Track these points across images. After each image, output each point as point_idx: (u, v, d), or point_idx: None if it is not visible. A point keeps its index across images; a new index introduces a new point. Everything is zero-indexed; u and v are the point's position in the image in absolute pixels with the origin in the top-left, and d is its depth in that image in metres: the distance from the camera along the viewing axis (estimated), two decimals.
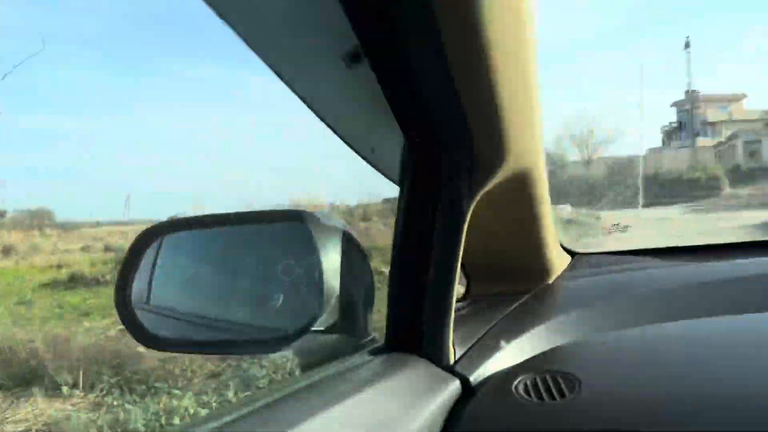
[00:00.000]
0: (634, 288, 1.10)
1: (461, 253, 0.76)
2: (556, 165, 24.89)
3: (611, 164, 25.23)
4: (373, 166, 0.88)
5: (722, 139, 31.27)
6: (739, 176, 23.53)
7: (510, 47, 0.59)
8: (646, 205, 18.71)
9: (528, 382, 0.74)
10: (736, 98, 40.79)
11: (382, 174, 0.89)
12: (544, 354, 0.87)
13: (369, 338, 0.83)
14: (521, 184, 0.89)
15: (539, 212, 1.01)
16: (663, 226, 14.34)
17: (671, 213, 17.80)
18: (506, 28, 0.57)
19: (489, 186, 0.77)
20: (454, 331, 0.79)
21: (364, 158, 0.86)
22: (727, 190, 22.38)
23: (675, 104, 44.06)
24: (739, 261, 1.23)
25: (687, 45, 30.76)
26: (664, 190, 22.77)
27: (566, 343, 0.92)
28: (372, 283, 0.84)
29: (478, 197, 0.77)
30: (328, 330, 0.80)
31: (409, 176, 0.74)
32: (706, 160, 26.77)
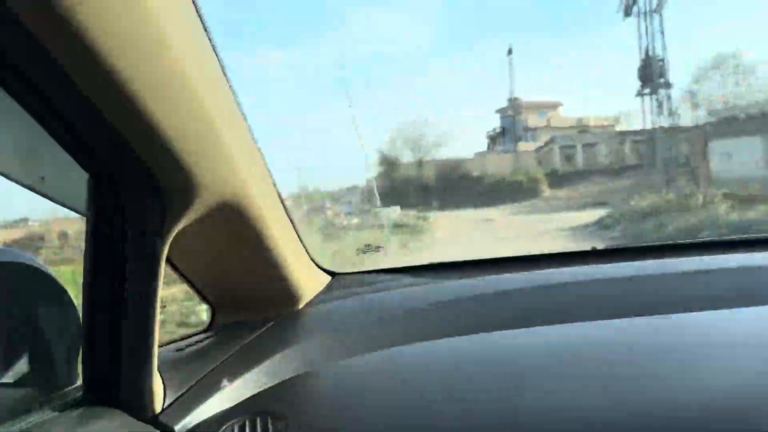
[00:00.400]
0: (392, 308, 1.06)
1: (159, 291, 0.72)
2: (389, 167, 24.78)
3: (441, 166, 25.60)
4: (46, 196, 0.80)
5: (541, 143, 33.18)
6: (557, 179, 24.94)
7: (153, 80, 0.59)
8: (472, 207, 19.19)
9: (236, 427, 0.75)
10: (554, 105, 44.23)
11: (63, 205, 0.82)
12: (260, 393, 0.85)
13: (72, 388, 0.76)
14: (237, 212, 0.85)
15: (269, 236, 0.95)
16: (487, 228, 14.32)
17: (494, 214, 18.01)
18: (144, 61, 0.57)
19: (187, 220, 0.75)
20: (173, 371, 0.77)
21: (30, 188, 0.78)
22: (547, 192, 23.44)
23: (499, 111, 46.89)
24: (513, 275, 1.19)
25: (509, 52, 32.08)
26: (489, 192, 23.33)
27: (290, 377, 0.91)
28: (78, 323, 0.79)
29: (174, 232, 0.73)
30: (18, 382, 0.75)
31: (93, 209, 0.70)
32: (528, 164, 28.00)
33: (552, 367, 0.82)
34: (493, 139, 47.76)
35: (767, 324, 0.88)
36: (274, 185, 0.97)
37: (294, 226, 1.06)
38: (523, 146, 36.99)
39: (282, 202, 1.01)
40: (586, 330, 0.92)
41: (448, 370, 0.85)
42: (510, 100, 45.18)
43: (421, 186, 24.07)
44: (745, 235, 1.44)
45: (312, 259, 1.17)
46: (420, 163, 26.50)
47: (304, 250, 1.12)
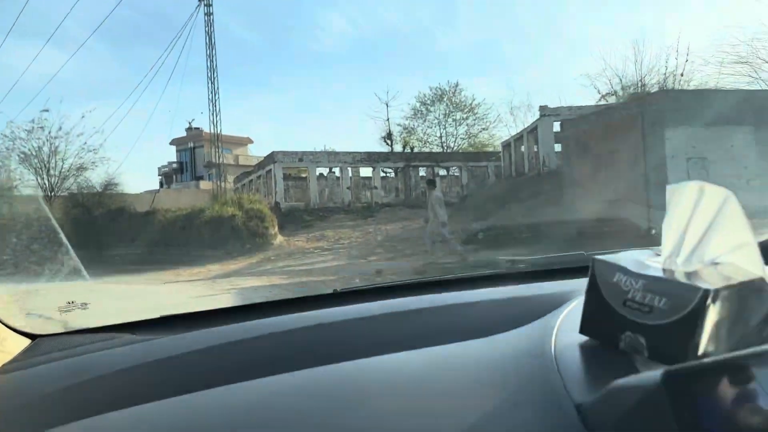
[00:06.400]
0: (102, 369, 0.95)
1: None
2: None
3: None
4: None
5: (230, 181, 29.46)
6: None
7: None
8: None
9: None
10: (242, 142, 40.76)
11: None
12: None
13: None
14: None
15: None
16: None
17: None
18: None
19: None
20: None
21: None
22: None
23: (175, 141, 41.15)
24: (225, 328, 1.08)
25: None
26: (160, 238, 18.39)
27: None
28: None
29: None
30: None
31: None
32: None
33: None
34: (168, 176, 41.88)
35: (414, 368, 0.84)
36: None
37: None
38: (204, 185, 32.63)
39: None
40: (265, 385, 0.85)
41: None
42: (189, 129, 40.15)
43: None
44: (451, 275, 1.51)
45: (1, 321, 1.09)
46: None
47: None
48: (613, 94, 23.50)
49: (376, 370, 0.85)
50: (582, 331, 0.77)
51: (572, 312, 0.88)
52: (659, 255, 0.74)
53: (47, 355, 1.04)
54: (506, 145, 24.84)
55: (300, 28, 55.55)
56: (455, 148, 32.88)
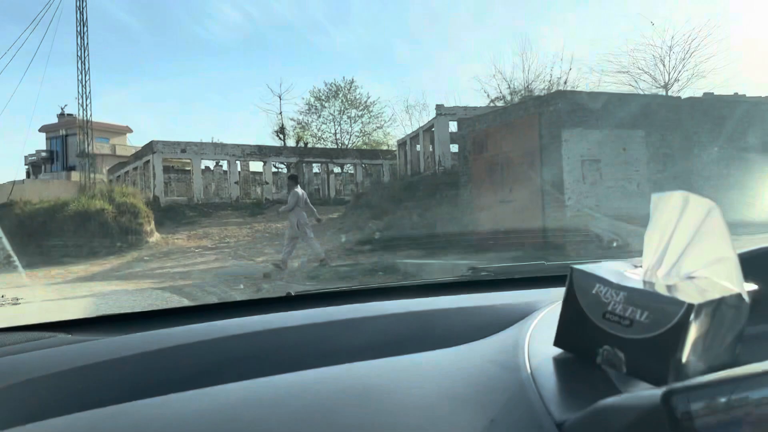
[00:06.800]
0: (29, 372, 0.87)
1: None
2: None
3: None
4: None
5: (103, 173, 26.98)
6: None
7: None
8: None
9: None
10: (120, 131, 37.56)
11: None
12: None
13: None
14: None
15: None
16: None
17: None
18: None
19: None
20: None
21: None
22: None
23: (45, 128, 37.17)
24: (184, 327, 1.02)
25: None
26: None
27: None
28: None
29: None
30: None
31: None
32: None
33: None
34: (36, 165, 37.83)
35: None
36: None
37: None
38: (75, 175, 29.61)
39: None
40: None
41: None
42: (61, 115, 36.47)
43: None
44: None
45: None
46: None
47: None
48: (501, 99, 24.00)
49: (336, 379, 0.78)
50: (557, 343, 0.74)
51: (541, 322, 0.86)
52: (637, 266, 0.72)
53: None
54: (402, 143, 24.52)
55: (188, 16, 52.61)
56: (350, 145, 32.21)
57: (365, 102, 33.10)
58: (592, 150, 11.40)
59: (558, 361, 0.73)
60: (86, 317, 1.11)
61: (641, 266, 0.71)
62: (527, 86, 24.12)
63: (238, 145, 25.47)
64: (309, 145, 30.50)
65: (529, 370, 0.71)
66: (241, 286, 8.07)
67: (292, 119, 33.23)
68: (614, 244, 9.36)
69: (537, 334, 0.81)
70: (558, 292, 0.82)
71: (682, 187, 0.76)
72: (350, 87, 32.94)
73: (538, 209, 11.61)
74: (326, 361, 0.82)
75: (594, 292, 0.69)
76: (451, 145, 19.72)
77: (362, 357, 0.84)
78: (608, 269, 0.71)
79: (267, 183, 25.77)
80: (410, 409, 0.68)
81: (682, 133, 11.89)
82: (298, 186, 10.14)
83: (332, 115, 33.02)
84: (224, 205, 23.18)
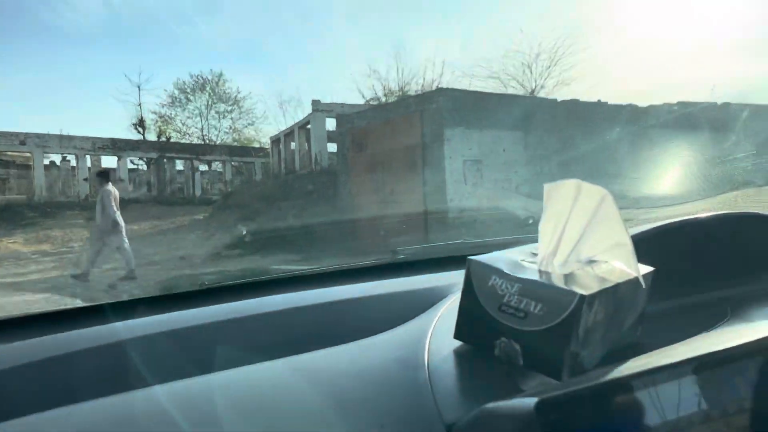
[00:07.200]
0: None
1: None
2: None
3: None
4: None
5: None
6: None
7: None
8: None
9: None
10: None
11: None
12: None
13: None
14: None
15: None
16: None
17: None
18: None
19: None
20: None
21: None
22: None
23: None
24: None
25: None
26: None
27: None
28: None
29: None
30: None
31: None
32: None
33: None
34: None
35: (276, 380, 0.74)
36: None
37: None
38: None
39: None
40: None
41: None
42: None
43: None
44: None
45: None
46: None
47: None
48: (377, 99, 23.73)
49: (223, 385, 0.73)
50: (457, 336, 0.74)
51: (449, 309, 0.85)
52: (536, 254, 0.71)
53: None
54: (276, 140, 23.26)
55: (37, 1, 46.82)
56: (219, 141, 30.26)
57: (235, 97, 31.34)
58: (473, 150, 11.16)
59: (457, 354, 0.72)
60: None
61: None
62: (402, 87, 24.10)
63: (88, 138, 22.78)
64: (172, 140, 28.19)
65: (426, 367, 0.69)
66: (78, 300, 6.65)
67: (153, 112, 30.49)
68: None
69: (442, 323, 0.80)
70: None
71: None
72: (219, 80, 31.06)
73: (420, 210, 11.19)
74: (215, 367, 0.76)
75: (490, 284, 0.69)
76: (328, 144, 18.91)
77: (261, 358, 0.76)
78: (505, 259, 0.71)
79: (122, 180, 23.31)
80: (294, 417, 0.64)
81: (557, 135, 12.03)
82: (110, 183, 8.79)
83: (198, 109, 30.93)
84: (71, 205, 20.56)
